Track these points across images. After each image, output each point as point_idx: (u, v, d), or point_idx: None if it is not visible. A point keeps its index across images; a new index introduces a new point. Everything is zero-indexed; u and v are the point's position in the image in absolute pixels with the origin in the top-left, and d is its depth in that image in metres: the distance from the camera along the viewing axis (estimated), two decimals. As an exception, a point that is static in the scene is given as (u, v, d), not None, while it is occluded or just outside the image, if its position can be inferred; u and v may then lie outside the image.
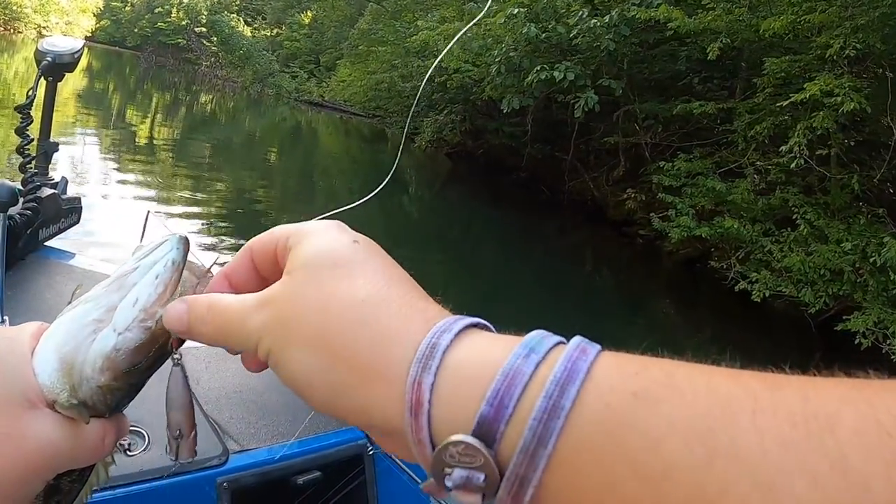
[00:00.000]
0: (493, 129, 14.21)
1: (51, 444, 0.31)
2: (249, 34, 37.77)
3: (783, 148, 7.03)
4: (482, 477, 0.23)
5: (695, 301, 8.33)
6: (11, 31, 39.03)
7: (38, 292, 1.54)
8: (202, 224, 7.25)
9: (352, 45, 23.74)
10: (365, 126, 24.38)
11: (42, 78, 1.61)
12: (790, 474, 0.19)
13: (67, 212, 1.83)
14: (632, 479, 0.21)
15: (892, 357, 5.62)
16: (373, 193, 0.56)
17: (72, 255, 1.81)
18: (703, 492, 0.20)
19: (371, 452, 1.34)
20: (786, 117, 7.40)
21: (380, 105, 19.97)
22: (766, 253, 7.21)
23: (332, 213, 0.42)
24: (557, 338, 0.25)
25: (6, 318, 1.28)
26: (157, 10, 43.98)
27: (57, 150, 1.80)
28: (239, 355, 0.34)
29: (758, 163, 8.11)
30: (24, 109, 1.57)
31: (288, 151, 17.35)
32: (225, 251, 6.02)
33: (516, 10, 10.20)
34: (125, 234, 5.00)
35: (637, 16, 8.88)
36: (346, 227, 0.32)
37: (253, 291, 0.33)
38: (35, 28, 39.23)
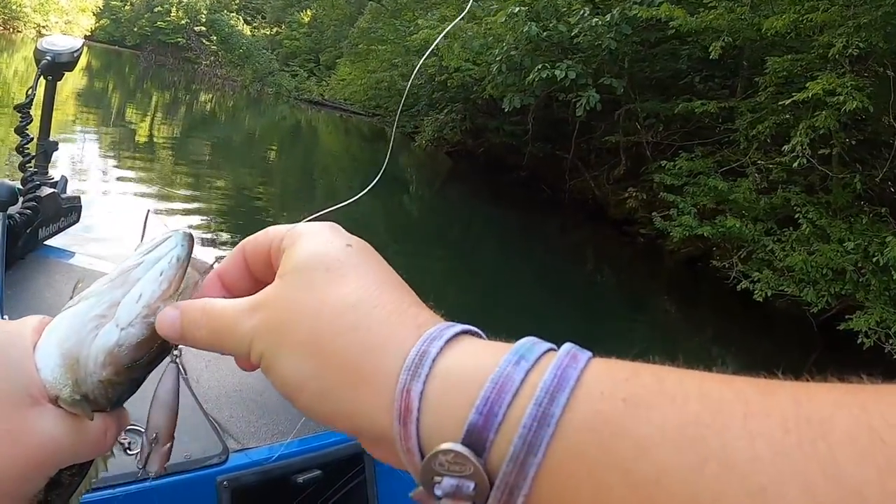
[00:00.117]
0: (494, 128, 14.21)
1: (53, 441, 0.31)
2: (249, 33, 37.80)
3: (785, 147, 7.03)
4: (472, 485, 0.23)
5: (696, 300, 8.33)
6: (11, 30, 39.06)
7: (37, 291, 1.54)
8: (202, 221, 7.26)
9: (352, 43, 23.76)
10: (365, 125, 24.39)
11: (41, 77, 1.60)
12: (782, 481, 0.19)
13: (67, 211, 1.83)
14: (623, 487, 0.21)
15: (895, 357, 5.62)
16: (364, 191, 0.56)
17: (72, 255, 1.80)
18: (694, 499, 0.20)
19: (371, 451, 1.34)
20: (787, 116, 7.40)
21: (380, 104, 19.99)
22: (768, 252, 7.20)
23: (324, 210, 0.42)
24: (548, 344, 0.25)
25: (6, 317, 1.28)
26: (156, 10, 43.97)
27: (56, 149, 1.79)
28: None
29: (759, 162, 8.10)
30: (23, 108, 1.57)
31: (288, 150, 17.37)
32: (225, 247, 6.03)
33: (517, 9, 10.20)
34: (125, 233, 5.01)
35: (638, 14, 8.88)
36: (341, 228, 0.32)
37: (245, 291, 0.33)
38: (34, 27, 39.24)
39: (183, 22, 40.72)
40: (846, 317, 6.16)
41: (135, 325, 0.32)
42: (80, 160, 8.91)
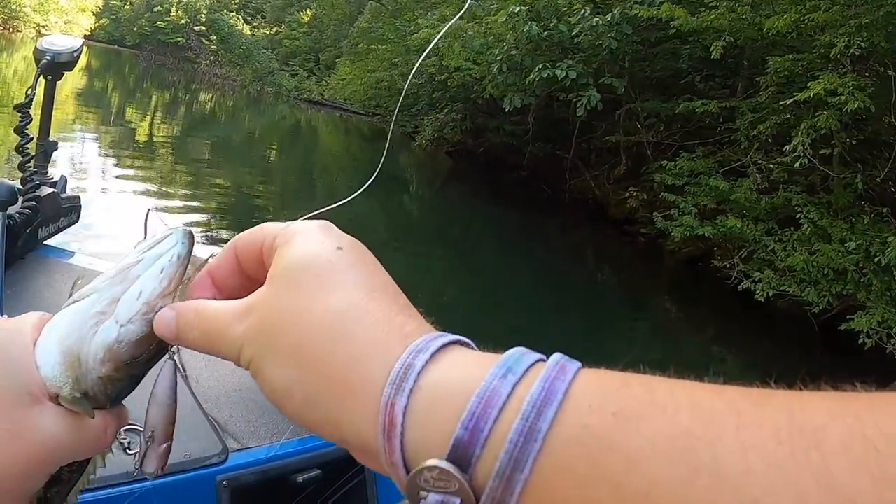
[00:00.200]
0: (494, 128, 14.21)
1: (54, 438, 0.31)
2: (249, 33, 37.80)
3: (786, 147, 7.03)
4: (457, 502, 0.23)
5: (697, 300, 8.32)
6: (10, 29, 39.07)
7: (37, 291, 1.54)
8: (202, 220, 7.26)
9: (351, 43, 23.76)
10: (365, 124, 24.39)
11: (41, 77, 1.60)
12: (775, 493, 0.18)
13: (67, 210, 1.83)
14: (613, 501, 0.20)
15: None
16: (361, 189, 0.56)
17: (71, 254, 1.80)
18: None
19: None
20: (789, 116, 7.40)
21: (380, 103, 19.99)
22: (769, 252, 7.20)
23: (322, 209, 0.41)
24: (536, 356, 0.25)
25: (6, 316, 1.28)
26: (156, 9, 43.96)
27: (56, 149, 1.79)
28: None
29: (760, 162, 8.10)
30: (23, 108, 1.57)
31: (287, 149, 17.38)
32: (224, 246, 6.03)
33: (518, 9, 10.20)
34: (125, 232, 5.01)
35: (639, 14, 8.88)
36: (334, 228, 0.31)
37: (236, 289, 0.33)
38: (34, 27, 39.24)
39: (183, 21, 40.71)
40: (847, 317, 6.16)
41: (135, 321, 0.32)
42: (80, 160, 8.92)
